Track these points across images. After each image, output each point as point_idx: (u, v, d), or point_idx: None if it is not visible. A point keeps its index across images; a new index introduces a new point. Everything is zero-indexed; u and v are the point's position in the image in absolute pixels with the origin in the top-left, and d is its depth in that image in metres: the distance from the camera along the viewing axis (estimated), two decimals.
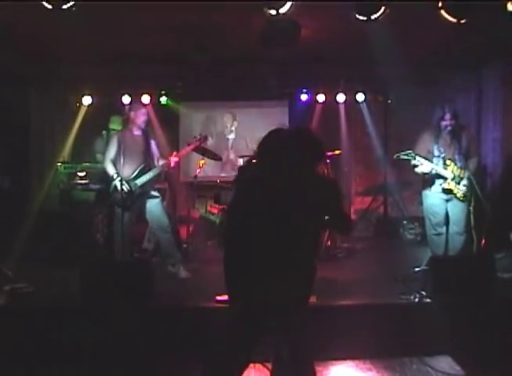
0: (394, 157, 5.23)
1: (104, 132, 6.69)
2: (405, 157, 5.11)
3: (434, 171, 5.12)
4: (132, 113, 5.60)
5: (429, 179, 5.26)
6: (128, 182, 5.37)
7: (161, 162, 5.66)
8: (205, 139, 6.24)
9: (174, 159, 5.66)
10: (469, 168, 5.12)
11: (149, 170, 5.51)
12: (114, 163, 5.46)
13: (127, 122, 5.69)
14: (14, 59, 6.55)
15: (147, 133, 5.70)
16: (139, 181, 5.44)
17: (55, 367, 3.97)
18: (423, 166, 5.08)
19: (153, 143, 5.69)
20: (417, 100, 6.91)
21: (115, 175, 5.34)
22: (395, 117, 8.02)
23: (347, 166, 8.36)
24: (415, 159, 5.07)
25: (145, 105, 7.63)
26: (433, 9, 4.61)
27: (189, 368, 3.84)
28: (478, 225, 5.25)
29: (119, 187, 5.33)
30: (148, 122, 5.78)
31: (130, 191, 5.37)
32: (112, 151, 5.50)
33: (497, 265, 4.74)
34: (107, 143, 5.70)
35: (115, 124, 6.85)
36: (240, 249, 2.93)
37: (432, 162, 5.13)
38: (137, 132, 5.59)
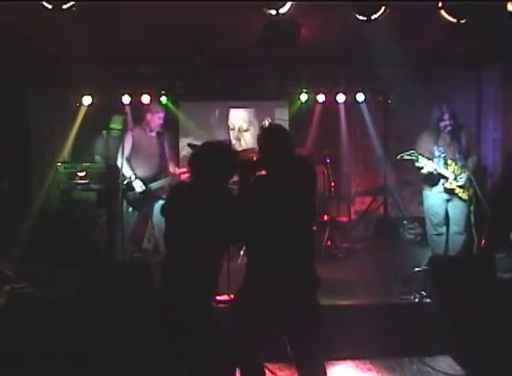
0: (398, 157, 5.23)
1: (104, 132, 6.69)
2: (409, 158, 5.12)
3: (435, 172, 5.12)
4: (149, 116, 5.60)
5: (430, 180, 5.27)
6: (144, 184, 5.39)
7: (176, 170, 5.66)
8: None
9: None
10: (469, 167, 5.13)
11: (164, 176, 5.54)
12: (129, 161, 5.43)
13: (143, 122, 5.67)
14: (14, 59, 6.54)
15: (162, 136, 5.68)
16: (154, 185, 5.45)
17: (55, 367, 3.97)
18: (426, 166, 5.09)
19: (166, 147, 5.68)
20: (417, 100, 6.90)
21: (133, 176, 5.35)
22: (395, 117, 8.02)
23: (347, 166, 8.35)
24: (418, 159, 5.07)
25: (144, 105, 7.67)
26: (433, 9, 4.61)
27: None
28: (478, 226, 5.25)
29: (137, 188, 5.35)
30: (163, 126, 5.76)
31: (145, 192, 5.40)
32: (127, 149, 5.44)
33: (497, 265, 4.75)
34: (107, 142, 5.73)
35: (116, 124, 6.84)
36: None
37: (433, 162, 5.14)
38: (151, 134, 5.59)
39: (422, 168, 5.12)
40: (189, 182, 3.11)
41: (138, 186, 5.39)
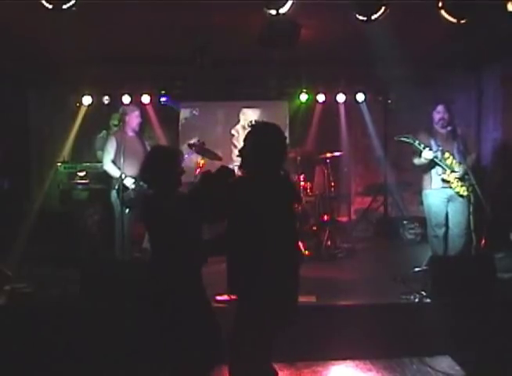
0: (395, 138, 5.26)
1: (104, 132, 6.69)
2: (405, 140, 5.16)
3: (434, 159, 5.12)
4: (126, 117, 5.67)
5: (428, 175, 5.28)
6: (136, 181, 5.43)
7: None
8: (202, 144, 6.33)
9: None
10: (467, 164, 5.15)
11: None
12: (115, 164, 5.53)
13: (122, 123, 5.74)
14: (14, 59, 6.54)
15: (141, 135, 5.77)
16: None
17: (55, 367, 3.97)
18: (424, 152, 5.09)
19: (147, 145, 5.76)
20: (417, 100, 6.92)
21: (123, 175, 5.38)
22: (395, 117, 8.02)
23: (347, 166, 8.36)
24: (414, 142, 5.10)
25: (144, 105, 7.68)
26: (433, 9, 4.61)
27: None
28: (478, 226, 5.25)
29: (130, 185, 5.39)
30: (141, 125, 5.85)
31: (137, 190, 5.42)
32: (112, 152, 5.60)
33: (497, 265, 4.75)
34: (105, 143, 5.76)
35: (115, 120, 6.84)
36: None
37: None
38: (131, 134, 5.67)
39: (420, 152, 5.13)
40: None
41: (130, 182, 5.43)
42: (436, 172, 5.22)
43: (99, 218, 6.52)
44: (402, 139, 5.18)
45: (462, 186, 5.16)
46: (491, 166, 7.65)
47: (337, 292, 4.82)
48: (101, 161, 6.01)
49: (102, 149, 6.16)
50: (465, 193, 5.16)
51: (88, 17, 4.89)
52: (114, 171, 5.52)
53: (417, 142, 5.12)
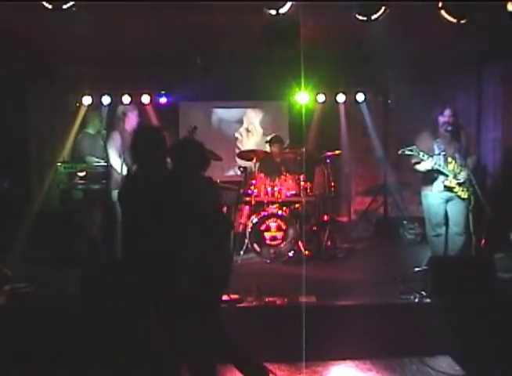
0: (399, 152, 5.22)
1: (85, 131, 6.64)
2: (410, 153, 5.12)
3: (436, 167, 5.12)
4: (127, 115, 5.70)
5: (429, 179, 5.27)
6: None
7: None
8: (194, 129, 6.32)
9: None
10: (468, 166, 5.14)
11: None
12: (124, 159, 5.53)
13: (123, 121, 5.76)
14: (14, 59, 6.54)
15: None
16: None
17: (54, 367, 3.97)
18: (425, 162, 5.09)
19: None
20: (417, 100, 6.92)
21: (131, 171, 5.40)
22: (395, 117, 8.02)
23: (348, 166, 8.36)
24: (418, 154, 5.08)
25: (144, 105, 7.69)
26: (433, 9, 4.62)
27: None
28: (478, 226, 5.25)
29: None
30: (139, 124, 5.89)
31: None
32: (119, 148, 5.61)
33: (497, 266, 4.74)
34: (107, 141, 5.77)
35: (91, 128, 6.71)
36: None
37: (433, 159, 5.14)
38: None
39: (419, 163, 5.12)
40: None
41: None
42: (439, 178, 5.21)
43: (99, 218, 6.52)
44: (407, 152, 5.13)
45: (463, 190, 5.16)
46: (491, 166, 7.64)
47: (337, 292, 4.82)
48: (92, 164, 6.02)
49: (92, 153, 6.14)
50: (465, 196, 5.16)
51: (88, 17, 4.89)
52: (121, 168, 5.51)
53: (421, 153, 5.07)
